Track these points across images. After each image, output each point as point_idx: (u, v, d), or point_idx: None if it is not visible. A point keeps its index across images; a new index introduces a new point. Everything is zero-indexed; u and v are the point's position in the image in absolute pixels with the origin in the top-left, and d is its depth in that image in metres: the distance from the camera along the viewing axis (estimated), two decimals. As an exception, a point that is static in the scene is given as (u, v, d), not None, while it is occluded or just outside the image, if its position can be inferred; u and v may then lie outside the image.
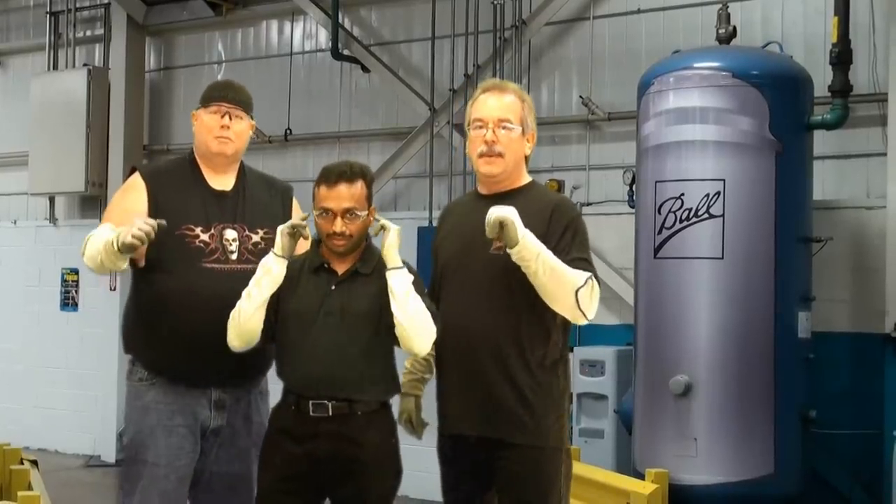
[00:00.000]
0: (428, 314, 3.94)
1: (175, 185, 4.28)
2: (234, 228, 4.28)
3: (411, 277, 3.96)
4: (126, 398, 4.37)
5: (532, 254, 3.76)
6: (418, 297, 3.94)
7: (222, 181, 4.36)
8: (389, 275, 3.94)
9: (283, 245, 4.02)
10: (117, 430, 10.27)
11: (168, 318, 4.18)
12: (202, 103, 4.36)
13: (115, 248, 3.99)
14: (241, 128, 4.37)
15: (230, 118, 4.31)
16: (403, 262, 4.03)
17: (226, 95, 4.34)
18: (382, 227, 3.98)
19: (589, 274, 3.85)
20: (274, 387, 4.41)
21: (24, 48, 12.16)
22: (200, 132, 4.35)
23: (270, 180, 4.58)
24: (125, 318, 4.41)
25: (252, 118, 4.44)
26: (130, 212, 4.17)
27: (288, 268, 4.09)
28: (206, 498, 4.34)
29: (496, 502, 4.03)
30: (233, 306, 4.06)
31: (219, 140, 4.30)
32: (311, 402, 3.95)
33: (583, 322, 3.90)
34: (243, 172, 4.45)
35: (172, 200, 4.23)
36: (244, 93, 4.42)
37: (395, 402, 4.18)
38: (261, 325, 4.04)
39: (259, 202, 4.39)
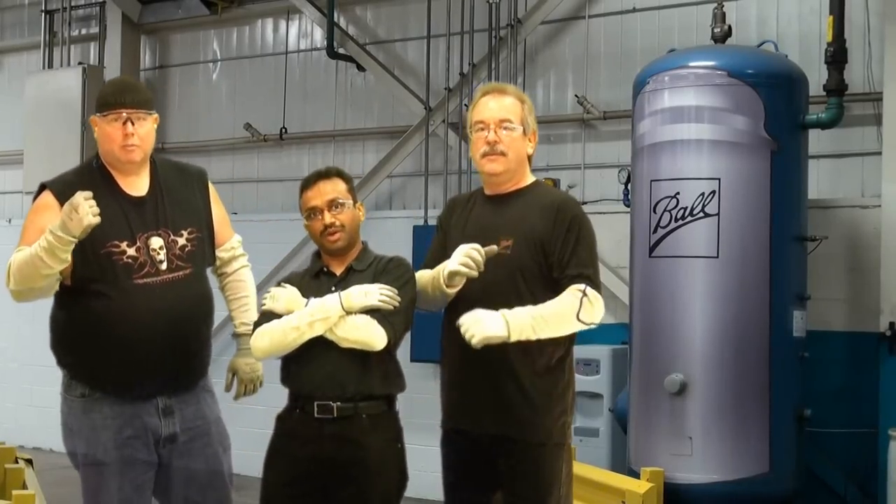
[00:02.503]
0: (366, 330, 3.93)
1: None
2: (159, 235, 4.15)
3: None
4: (68, 412, 4.27)
5: (527, 333, 3.77)
6: (352, 324, 3.92)
7: (137, 184, 4.20)
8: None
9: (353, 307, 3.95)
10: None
11: (104, 338, 4.09)
12: (99, 110, 4.15)
13: (69, 237, 3.83)
14: (146, 129, 4.15)
15: (132, 123, 4.10)
16: (391, 266, 4.07)
17: (123, 100, 4.09)
18: None
19: (581, 287, 3.85)
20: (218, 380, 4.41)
21: (18, 46, 12.14)
22: (104, 141, 4.15)
23: (182, 168, 4.41)
24: (55, 333, 4.26)
25: (154, 111, 4.21)
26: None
27: (291, 277, 4.18)
28: (179, 501, 4.28)
29: (498, 497, 4.03)
30: (170, 317, 4.07)
31: (125, 149, 4.11)
32: (315, 403, 3.96)
33: (592, 327, 3.92)
34: (155, 168, 4.28)
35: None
36: (142, 91, 4.22)
37: (401, 402, 4.18)
38: None
39: (178, 199, 4.25)
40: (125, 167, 4.18)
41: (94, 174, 4.19)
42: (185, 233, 4.20)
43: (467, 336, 3.72)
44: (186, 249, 4.19)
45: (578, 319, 3.82)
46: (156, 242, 4.14)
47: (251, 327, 4.17)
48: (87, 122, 10.83)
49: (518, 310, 3.78)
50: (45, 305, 4.29)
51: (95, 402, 4.17)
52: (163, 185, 4.25)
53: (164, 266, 4.12)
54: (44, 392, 11.15)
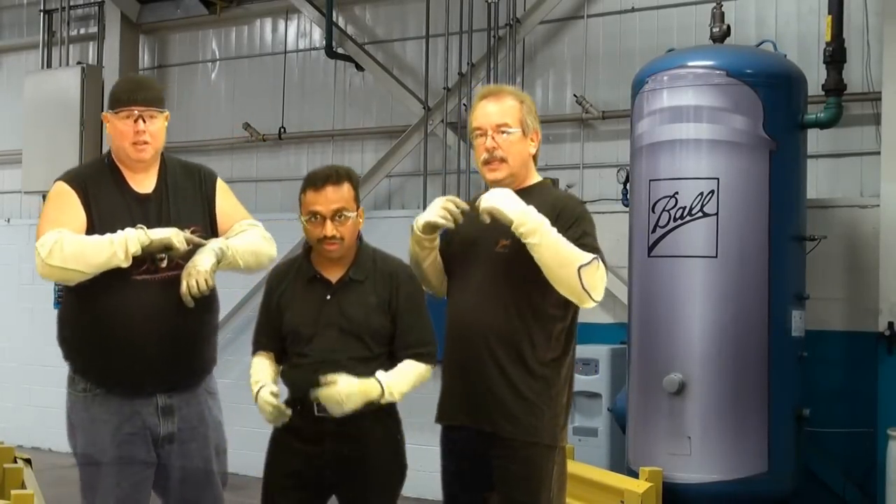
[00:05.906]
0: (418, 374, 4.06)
1: (100, 190, 4.10)
2: None
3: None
4: (71, 406, 4.31)
5: (536, 235, 3.75)
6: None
7: (144, 181, 4.22)
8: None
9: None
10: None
11: (104, 333, 4.11)
12: (111, 107, 4.17)
13: (143, 249, 3.96)
14: (157, 127, 4.18)
15: (144, 121, 4.13)
16: (405, 277, 4.11)
17: (135, 98, 4.13)
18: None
19: (594, 255, 3.83)
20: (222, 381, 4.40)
21: (17, 46, 12.14)
22: (115, 138, 4.18)
23: (192, 168, 4.40)
24: (61, 326, 4.30)
25: (165, 110, 4.23)
26: (77, 213, 4.07)
27: (280, 276, 4.15)
28: (176, 500, 4.30)
29: (494, 497, 4.02)
30: (168, 314, 4.05)
31: (136, 147, 4.14)
32: (316, 402, 3.95)
33: (590, 304, 3.84)
34: (164, 165, 4.29)
35: (102, 208, 4.11)
36: (154, 89, 4.24)
37: (401, 401, 4.17)
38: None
39: (184, 198, 4.26)
40: (135, 164, 4.20)
41: (103, 168, 4.24)
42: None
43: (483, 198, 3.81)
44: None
45: (579, 272, 3.76)
46: None
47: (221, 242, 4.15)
48: (86, 122, 10.96)
49: (546, 222, 3.79)
50: (41, 306, 4.31)
51: (96, 398, 4.20)
52: (170, 183, 4.26)
53: (163, 264, 4.11)
54: (43, 392, 11.16)
